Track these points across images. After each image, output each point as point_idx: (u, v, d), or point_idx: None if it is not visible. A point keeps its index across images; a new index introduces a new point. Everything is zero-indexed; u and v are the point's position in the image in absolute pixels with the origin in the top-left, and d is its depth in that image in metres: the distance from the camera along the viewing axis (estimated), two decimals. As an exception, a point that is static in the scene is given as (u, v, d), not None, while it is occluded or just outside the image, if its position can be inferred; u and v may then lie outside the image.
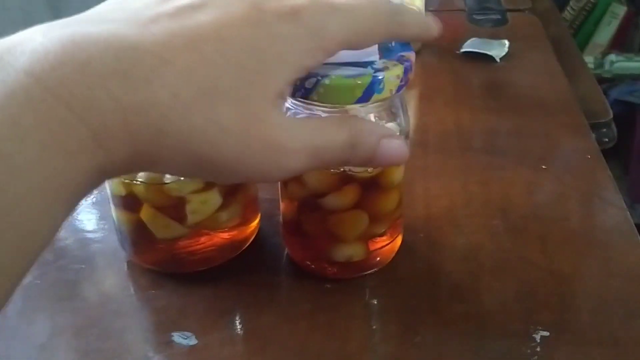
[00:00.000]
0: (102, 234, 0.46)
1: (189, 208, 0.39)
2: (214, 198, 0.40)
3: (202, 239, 0.41)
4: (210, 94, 0.25)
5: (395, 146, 0.33)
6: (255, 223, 0.44)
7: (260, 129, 0.27)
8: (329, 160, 0.30)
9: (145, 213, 0.39)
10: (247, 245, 0.44)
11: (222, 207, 0.40)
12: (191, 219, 0.40)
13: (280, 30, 0.27)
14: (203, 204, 0.39)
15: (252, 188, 0.43)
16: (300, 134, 0.29)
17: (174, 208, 0.39)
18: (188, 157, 0.25)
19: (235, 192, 0.41)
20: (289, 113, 0.37)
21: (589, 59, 1.74)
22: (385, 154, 0.32)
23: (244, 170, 0.27)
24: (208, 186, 0.39)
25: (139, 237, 0.41)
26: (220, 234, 0.41)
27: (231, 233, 0.42)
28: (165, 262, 0.42)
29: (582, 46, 1.76)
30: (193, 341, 0.37)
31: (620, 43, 1.75)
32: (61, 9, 1.13)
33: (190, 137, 0.25)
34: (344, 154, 0.31)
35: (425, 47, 0.76)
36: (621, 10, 1.71)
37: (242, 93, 0.26)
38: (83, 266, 0.43)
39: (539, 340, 0.36)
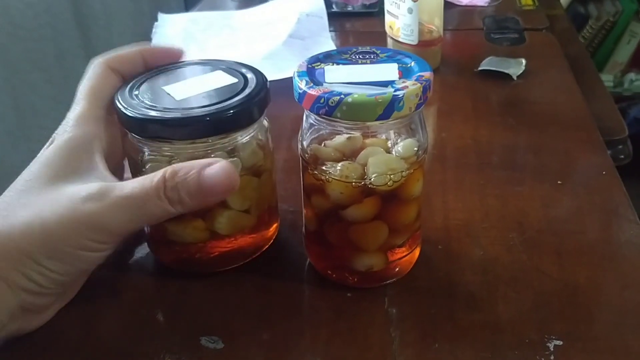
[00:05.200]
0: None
1: None
2: None
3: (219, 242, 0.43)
4: None
5: (218, 169, 0.35)
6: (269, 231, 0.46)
7: None
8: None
9: None
10: (258, 252, 0.45)
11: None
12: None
13: None
14: None
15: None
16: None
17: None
18: None
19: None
20: (312, 129, 0.39)
21: (608, 78, 1.74)
22: (209, 180, 0.35)
23: None
24: None
25: (157, 235, 0.44)
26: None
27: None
28: (181, 261, 0.44)
29: (602, 64, 1.76)
30: (220, 345, 0.38)
31: (640, 62, 1.76)
32: (90, 27, 1.17)
33: None
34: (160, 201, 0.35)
35: (444, 65, 0.77)
36: (640, 29, 1.72)
37: None
38: (115, 271, 0.44)
39: (552, 349, 0.37)
